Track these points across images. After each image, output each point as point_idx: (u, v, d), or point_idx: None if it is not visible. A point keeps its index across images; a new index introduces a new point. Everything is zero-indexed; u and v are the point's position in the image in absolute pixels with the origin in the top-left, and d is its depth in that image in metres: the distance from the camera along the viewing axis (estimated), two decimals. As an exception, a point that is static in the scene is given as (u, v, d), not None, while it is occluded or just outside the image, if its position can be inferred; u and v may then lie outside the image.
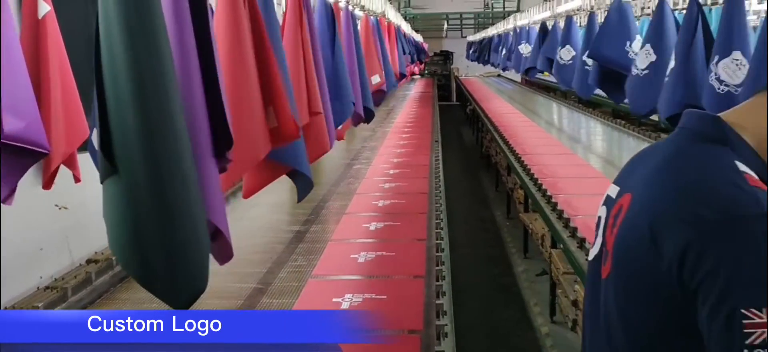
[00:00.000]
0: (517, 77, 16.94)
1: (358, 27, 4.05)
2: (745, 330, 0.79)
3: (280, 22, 2.44)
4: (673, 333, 0.89)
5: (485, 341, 4.34)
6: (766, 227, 0.81)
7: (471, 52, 16.83)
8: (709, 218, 0.84)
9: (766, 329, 0.79)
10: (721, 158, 0.89)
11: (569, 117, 9.23)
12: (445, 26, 21.91)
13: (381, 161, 5.51)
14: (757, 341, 0.79)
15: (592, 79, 4.07)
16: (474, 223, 7.43)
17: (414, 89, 14.79)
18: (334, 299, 2.43)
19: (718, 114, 0.97)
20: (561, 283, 3.97)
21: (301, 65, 2.19)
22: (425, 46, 17.20)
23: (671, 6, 3.23)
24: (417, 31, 16.39)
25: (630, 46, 3.64)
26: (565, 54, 5.12)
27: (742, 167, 0.88)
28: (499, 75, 17.88)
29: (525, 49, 8.00)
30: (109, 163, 1.07)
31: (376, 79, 4.63)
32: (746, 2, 2.63)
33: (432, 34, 20.85)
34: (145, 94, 1.03)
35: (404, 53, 7.30)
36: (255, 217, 3.79)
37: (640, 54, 3.26)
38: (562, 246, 3.42)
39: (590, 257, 1.06)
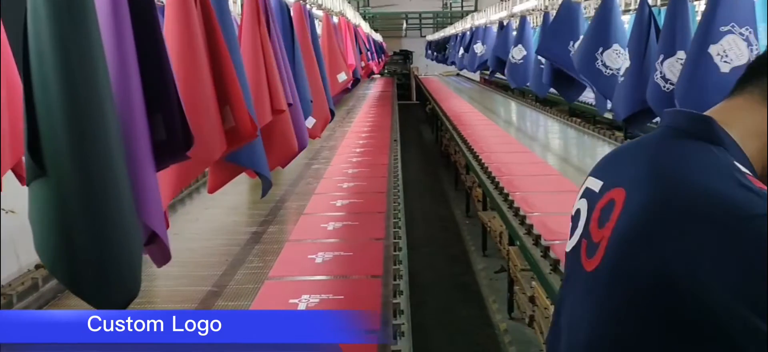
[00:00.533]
0: (476, 76, 17.13)
1: (316, 26, 4.01)
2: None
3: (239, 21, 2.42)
4: (665, 336, 0.88)
5: (445, 339, 4.37)
6: (758, 223, 0.81)
7: (430, 51, 16.92)
8: (705, 215, 0.84)
9: None
10: (719, 157, 0.89)
11: (527, 116, 9.36)
12: (404, 26, 21.99)
13: (340, 161, 5.49)
14: None
15: (545, 77, 4.14)
16: (433, 222, 7.47)
17: (374, 88, 14.79)
18: (291, 301, 2.40)
19: (704, 113, 0.97)
20: (518, 280, 4.02)
21: (262, 63, 2.16)
22: (385, 45, 17.23)
23: (622, 7, 3.31)
24: (376, 30, 16.40)
25: (573, 45, 3.70)
26: (517, 53, 5.19)
27: (742, 168, 0.88)
28: (458, 74, 18.04)
29: (479, 48, 8.07)
30: (36, 164, 1.03)
31: (342, 77, 4.61)
32: (690, 3, 2.70)
33: (391, 34, 20.89)
34: (74, 92, 0.99)
35: (361, 53, 7.28)
36: (211, 218, 3.73)
37: (617, 58, 3.28)
38: (518, 243, 3.45)
39: (568, 249, 1.06)
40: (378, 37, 15.53)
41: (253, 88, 2.04)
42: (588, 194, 1.04)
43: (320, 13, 4.44)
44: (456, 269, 5.76)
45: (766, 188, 0.85)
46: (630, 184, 0.94)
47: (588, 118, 8.27)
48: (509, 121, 9.05)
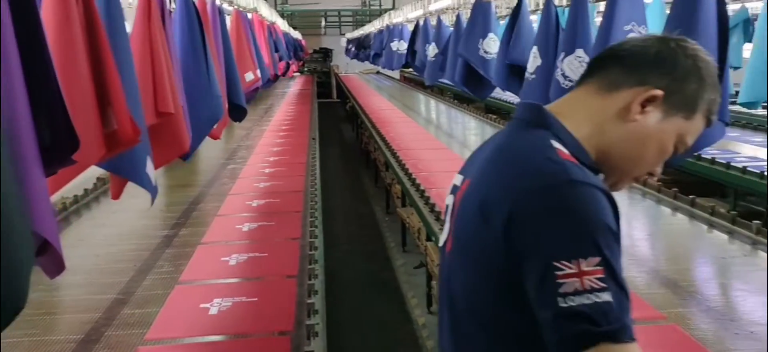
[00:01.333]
0: (396, 74, 17.27)
1: (227, 23, 3.92)
2: (558, 280, 0.87)
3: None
4: (508, 306, 0.96)
5: (364, 336, 4.37)
6: (574, 190, 0.92)
7: (350, 49, 16.91)
8: (525, 187, 0.94)
9: (577, 279, 0.86)
10: (539, 138, 1.00)
11: (445, 113, 9.52)
12: (323, 23, 21.87)
13: (257, 160, 5.40)
14: (570, 291, 0.86)
15: (458, 75, 4.22)
16: (353, 219, 7.48)
17: (293, 87, 14.64)
18: (202, 305, 2.34)
19: (550, 106, 1.07)
20: (435, 275, 4.08)
21: (148, 63, 2.07)
22: (304, 43, 17.07)
23: (530, 7, 3.42)
24: (295, 28, 16.22)
25: (482, 43, 3.81)
26: (431, 51, 5.27)
27: (556, 144, 0.98)
28: (378, 72, 18.12)
29: (397, 46, 8.14)
30: None
31: (250, 76, 4.51)
32: (590, 3, 2.82)
33: (311, 32, 20.72)
34: None
35: (277, 50, 7.17)
36: (119, 223, 3.57)
37: (529, 58, 3.39)
38: (434, 239, 3.50)
39: (440, 244, 1.15)
40: (297, 34, 15.38)
41: (142, 88, 1.95)
42: (453, 189, 1.11)
43: (231, 8, 4.34)
44: (375, 266, 5.78)
45: (572, 159, 0.96)
46: (473, 173, 1.05)
47: (504, 115, 8.51)
48: (428, 119, 9.18)
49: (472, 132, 7.46)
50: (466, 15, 4.51)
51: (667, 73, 1.02)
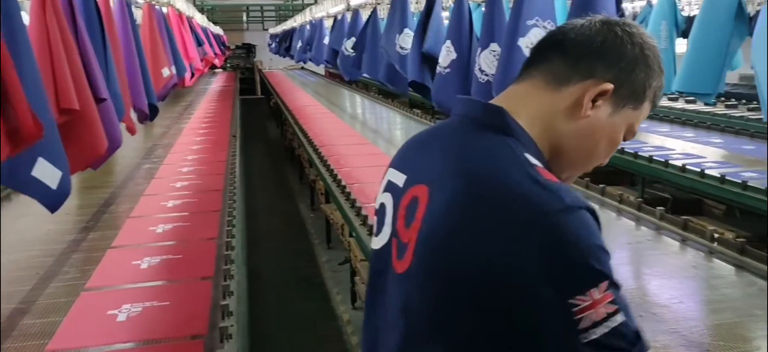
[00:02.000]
0: (321, 70, 17.16)
1: (136, 17, 3.76)
2: (576, 317, 0.83)
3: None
4: (478, 325, 0.89)
5: (288, 334, 4.32)
6: (570, 219, 0.85)
7: (273, 44, 16.67)
8: (520, 220, 0.85)
9: (593, 310, 0.83)
10: (513, 151, 0.92)
11: (369, 108, 9.53)
12: (245, 18, 21.43)
13: (174, 159, 5.23)
14: (588, 325, 0.83)
15: (378, 70, 4.22)
16: (278, 216, 7.38)
17: (215, 83, 14.30)
18: (110, 312, 2.23)
19: (496, 102, 1.00)
20: (359, 270, 4.08)
21: (47, 57, 1.96)
22: (225, 38, 16.69)
23: (442, 3, 3.47)
24: (215, 23, 15.82)
25: (398, 38, 3.84)
26: (349, 45, 5.25)
27: (532, 159, 0.91)
28: (302, 68, 17.95)
29: (320, 42, 8.07)
30: None
31: (165, 73, 4.36)
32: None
33: (232, 27, 20.26)
34: None
35: (199, 45, 6.97)
36: (22, 228, 3.37)
37: (442, 51, 3.42)
38: (355, 234, 3.50)
39: (376, 247, 1.04)
40: (218, 30, 15.00)
41: (45, 83, 1.85)
42: (391, 188, 1.03)
43: (141, 1, 4.17)
44: (300, 263, 5.73)
45: (553, 178, 0.89)
46: (433, 180, 0.95)
47: (427, 110, 8.60)
48: (352, 114, 9.16)
49: (396, 127, 7.50)
50: (385, 10, 4.52)
51: (614, 64, 0.97)
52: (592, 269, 0.84)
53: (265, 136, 13.44)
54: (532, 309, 0.85)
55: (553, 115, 0.97)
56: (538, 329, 0.85)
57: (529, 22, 2.48)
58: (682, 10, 4.13)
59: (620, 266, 2.76)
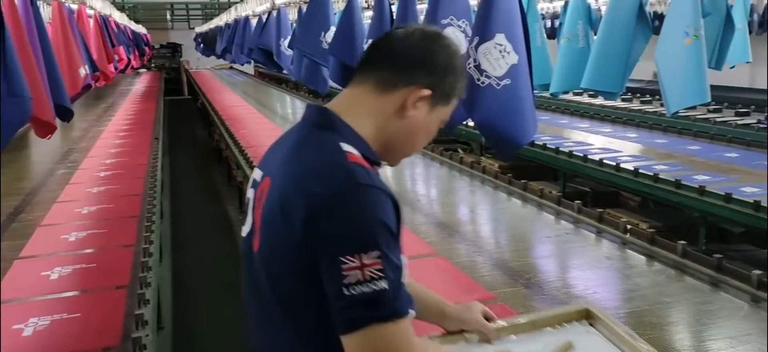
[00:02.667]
0: (250, 69, 16.88)
1: (43, 16, 3.57)
2: (343, 272, 1.01)
3: None
4: (313, 294, 1.07)
5: (215, 337, 4.22)
6: (359, 193, 1.04)
7: (199, 44, 16.27)
8: (318, 192, 1.05)
9: (359, 271, 1.01)
10: (330, 142, 1.11)
11: (300, 108, 9.44)
12: (169, 16, 20.82)
13: (91, 163, 5.02)
14: (353, 281, 1.01)
15: (299, 70, 4.19)
16: (205, 220, 7.20)
17: (139, 84, 13.84)
18: (15, 327, 2.11)
19: (334, 103, 1.20)
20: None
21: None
22: (149, 37, 16.17)
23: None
24: (138, 21, 15.30)
25: (324, 36, 3.82)
26: (286, 44, 5.19)
27: (346, 147, 1.10)
28: (231, 67, 17.62)
29: (245, 40, 7.92)
30: None
31: (82, 72, 4.17)
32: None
33: (156, 26, 19.65)
34: None
35: (113, 46, 6.70)
36: None
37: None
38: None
39: (244, 234, 1.23)
40: (141, 29, 14.52)
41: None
42: (254, 183, 1.22)
43: None
44: (227, 266, 5.60)
45: (362, 163, 1.09)
46: (273, 173, 1.15)
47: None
48: (282, 115, 9.05)
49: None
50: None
51: (431, 73, 1.18)
52: (367, 237, 1.02)
53: (193, 137, 13.09)
54: (319, 265, 1.05)
55: (384, 115, 1.18)
56: (323, 281, 1.05)
57: (444, 21, 2.51)
58: (598, 10, 4.30)
59: (542, 259, 2.84)
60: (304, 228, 1.05)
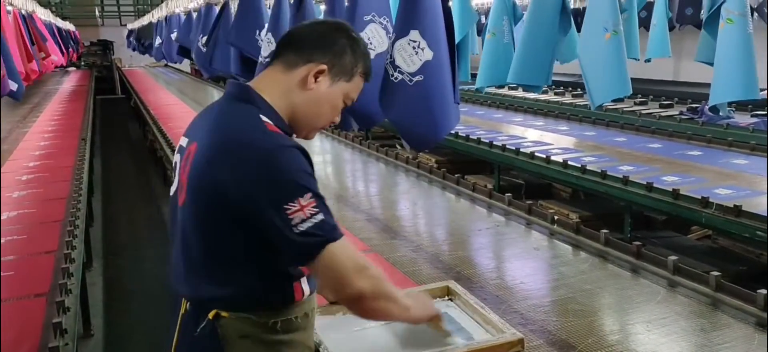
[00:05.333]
0: (186, 67, 16.47)
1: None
2: (289, 216, 1.27)
3: None
4: (236, 244, 1.32)
5: (151, 344, 4.11)
6: (282, 154, 1.29)
7: (131, 41, 15.78)
8: (249, 157, 1.28)
9: (301, 212, 1.27)
10: (251, 113, 1.36)
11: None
12: (97, 13, 20.09)
13: (13, 166, 4.80)
14: (298, 221, 1.27)
15: (234, 64, 4.12)
16: (139, 222, 7.00)
17: (67, 83, 13.32)
18: None
19: (252, 82, 1.44)
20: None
21: None
22: (78, 34, 15.58)
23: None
24: (65, 18, 14.71)
25: (259, 34, 3.78)
26: (203, 41, 5.09)
27: (264, 118, 1.35)
28: (166, 65, 17.16)
29: (176, 37, 7.73)
30: None
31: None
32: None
33: (86, 22, 18.94)
34: None
35: (33, 43, 6.41)
36: None
37: (263, 44, 3.44)
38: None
39: (171, 193, 1.45)
40: (68, 25, 13.97)
41: None
42: (180, 149, 1.44)
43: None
44: (163, 270, 5.46)
45: (277, 131, 1.32)
46: (199, 138, 1.37)
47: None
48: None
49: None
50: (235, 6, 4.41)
51: (328, 51, 1.44)
52: (298, 185, 1.28)
53: (127, 137, 12.69)
54: (260, 218, 1.27)
55: (290, 89, 1.42)
56: (266, 230, 1.28)
57: (366, 18, 2.52)
58: (523, 7, 4.39)
59: (474, 251, 2.88)
60: (235, 188, 1.27)
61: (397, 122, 2.38)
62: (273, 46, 3.09)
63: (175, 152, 1.46)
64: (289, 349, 1.46)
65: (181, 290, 1.43)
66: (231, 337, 1.39)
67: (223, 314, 1.38)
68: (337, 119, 1.49)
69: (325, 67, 1.43)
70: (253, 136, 1.31)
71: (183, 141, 1.44)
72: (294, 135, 1.44)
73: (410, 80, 2.29)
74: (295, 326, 1.44)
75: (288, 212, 1.26)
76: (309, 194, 1.28)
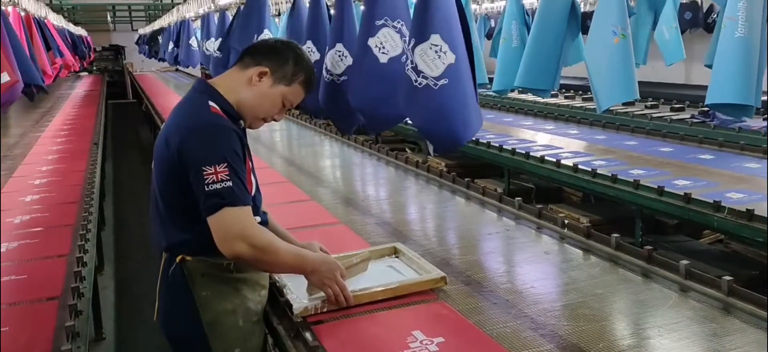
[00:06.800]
0: (197, 71, 16.55)
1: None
2: (204, 176, 1.70)
3: None
4: (183, 193, 1.78)
5: (161, 348, 4.13)
6: (215, 129, 1.77)
7: (142, 46, 15.87)
8: (189, 127, 1.78)
9: (214, 175, 1.70)
10: (202, 100, 1.84)
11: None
12: (110, 18, 20.24)
13: (26, 171, 4.85)
14: (210, 182, 1.70)
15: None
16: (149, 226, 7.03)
17: (79, 87, 13.42)
18: (-63, 344, 2.01)
19: (211, 79, 1.97)
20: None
21: None
22: (90, 40, 15.70)
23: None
24: (77, 23, 14.83)
25: (256, 38, 3.79)
26: (210, 45, 5.12)
27: (211, 103, 1.82)
28: (177, 69, 17.25)
29: (190, 42, 7.78)
30: None
31: (5, 77, 4.01)
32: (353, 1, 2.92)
33: (98, 27, 19.09)
34: None
35: (49, 48, 6.47)
36: None
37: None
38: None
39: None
40: (81, 31, 14.08)
41: None
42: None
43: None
44: (173, 274, 5.49)
45: (220, 113, 1.81)
46: (166, 121, 1.90)
47: (301, 109, 8.52)
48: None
49: (276, 132, 7.37)
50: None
51: (273, 58, 1.94)
52: (219, 154, 1.71)
53: (138, 141, 12.78)
54: (189, 175, 1.74)
55: (240, 84, 1.92)
56: (192, 185, 1.74)
57: (378, 22, 2.53)
58: (532, 11, 4.37)
59: (484, 255, 2.87)
60: (178, 152, 1.75)
61: (425, 127, 2.38)
62: (317, 55, 3.15)
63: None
64: (242, 284, 1.90)
65: (157, 242, 1.91)
66: (195, 275, 1.85)
67: (188, 257, 1.84)
68: (279, 118, 1.97)
69: (268, 70, 1.90)
70: (197, 114, 1.78)
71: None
72: (243, 122, 1.91)
73: (435, 84, 2.29)
74: (246, 267, 1.87)
75: (204, 172, 1.68)
76: (225, 164, 1.69)
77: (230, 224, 1.70)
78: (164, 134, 1.80)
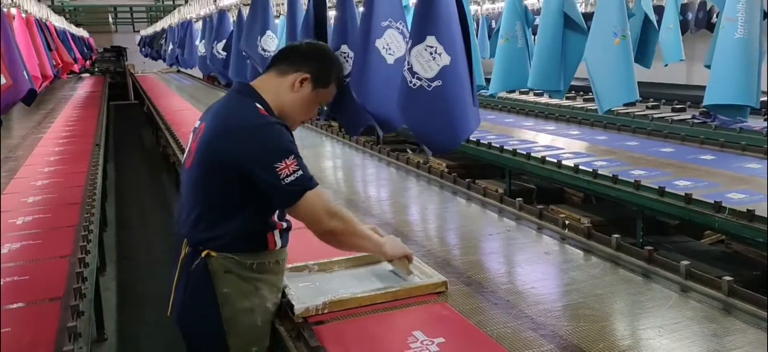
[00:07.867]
0: (199, 72, 16.57)
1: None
2: (278, 172, 1.80)
3: None
4: (227, 196, 1.87)
5: (160, 347, 4.14)
6: (270, 128, 1.86)
7: (143, 47, 15.90)
8: (244, 129, 1.86)
9: (286, 169, 1.80)
10: (248, 102, 1.92)
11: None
12: (111, 19, 20.27)
13: (28, 172, 4.86)
14: (285, 175, 1.80)
15: (244, 72, 4.15)
16: (153, 227, 7.06)
17: (81, 89, 13.45)
18: (-61, 345, 2.02)
19: (252, 81, 2.04)
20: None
21: None
22: (92, 41, 15.73)
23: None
24: (79, 24, 14.85)
25: (260, 40, 3.80)
26: (220, 47, 5.13)
27: (258, 106, 1.91)
28: (178, 71, 17.28)
29: (191, 43, 7.78)
30: None
31: (1, 80, 4.02)
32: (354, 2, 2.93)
33: (99, 29, 19.11)
34: None
35: (50, 50, 6.48)
36: None
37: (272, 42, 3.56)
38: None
39: (182, 160, 2.10)
40: (82, 32, 14.10)
41: None
42: (194, 130, 2.02)
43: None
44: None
45: (266, 114, 1.89)
46: (208, 121, 1.96)
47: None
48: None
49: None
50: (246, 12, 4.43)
51: (312, 63, 2.02)
52: (284, 149, 1.82)
53: (140, 143, 12.80)
54: (258, 177, 1.81)
55: (281, 91, 2.00)
56: (261, 185, 1.82)
57: (383, 24, 2.53)
58: (535, 12, 4.38)
59: (485, 256, 2.88)
60: (231, 154, 1.82)
61: (417, 128, 2.39)
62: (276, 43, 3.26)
63: (191, 131, 2.02)
64: (262, 284, 1.96)
65: (184, 233, 1.96)
66: (218, 271, 1.89)
67: (213, 253, 1.88)
68: (315, 115, 2.08)
69: (308, 75, 1.99)
70: (248, 118, 1.86)
71: (197, 123, 2.02)
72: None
73: (429, 86, 2.29)
74: (267, 268, 1.96)
75: (277, 168, 1.78)
76: (291, 156, 1.81)
77: (316, 205, 1.85)
78: (210, 136, 1.87)
